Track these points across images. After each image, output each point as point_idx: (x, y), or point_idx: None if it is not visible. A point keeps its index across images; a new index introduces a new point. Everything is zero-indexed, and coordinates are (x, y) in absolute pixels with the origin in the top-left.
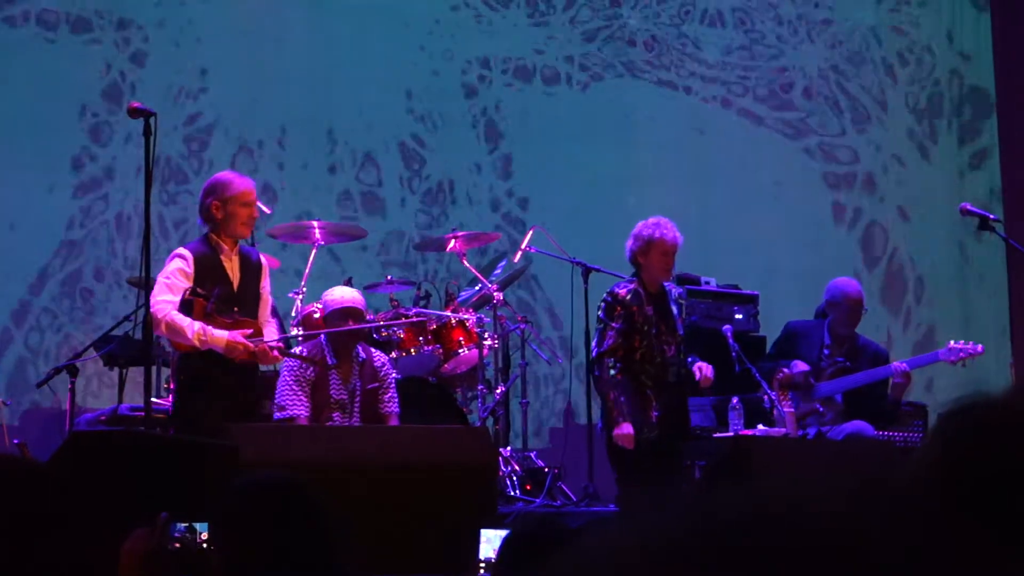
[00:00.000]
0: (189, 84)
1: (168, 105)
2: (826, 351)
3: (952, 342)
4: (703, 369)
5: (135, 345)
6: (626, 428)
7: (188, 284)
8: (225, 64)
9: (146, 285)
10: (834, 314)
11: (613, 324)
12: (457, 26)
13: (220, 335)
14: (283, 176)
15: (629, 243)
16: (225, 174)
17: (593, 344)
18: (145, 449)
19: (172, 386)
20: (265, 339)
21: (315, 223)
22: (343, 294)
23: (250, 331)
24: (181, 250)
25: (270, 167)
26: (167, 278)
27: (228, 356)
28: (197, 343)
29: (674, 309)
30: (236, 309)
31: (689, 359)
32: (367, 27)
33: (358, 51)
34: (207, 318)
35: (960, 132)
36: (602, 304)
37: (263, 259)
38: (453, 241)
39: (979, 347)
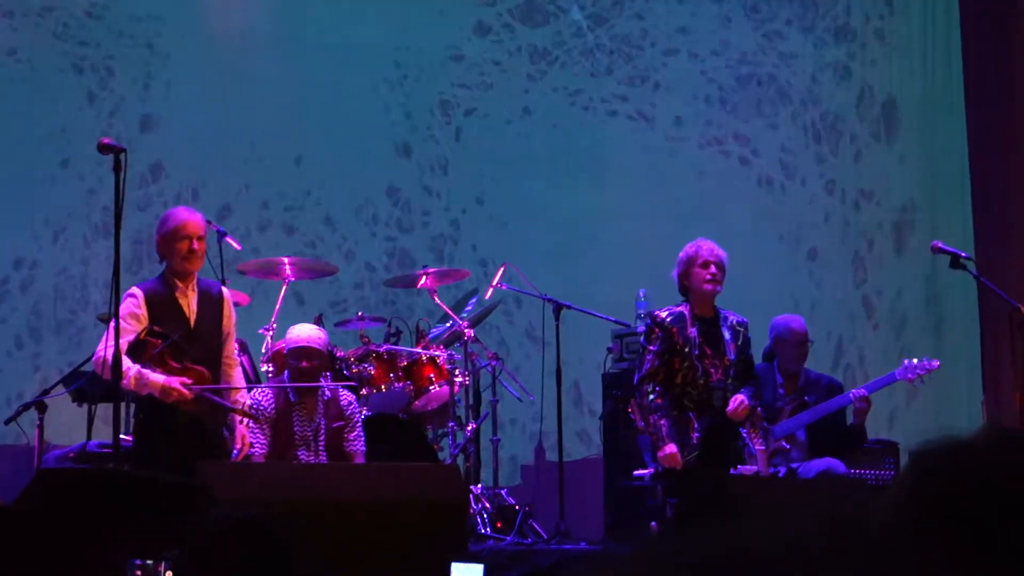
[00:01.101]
0: (155, 120)
1: (134, 142)
2: (780, 391)
3: (907, 360)
4: (736, 399)
5: (104, 382)
6: (670, 448)
7: (139, 326)
8: (192, 98)
9: (116, 322)
10: (781, 351)
11: (651, 348)
12: (428, 61)
13: (156, 379)
14: (254, 211)
15: (674, 272)
16: (171, 210)
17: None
18: (114, 487)
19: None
20: (208, 388)
21: (285, 259)
22: (299, 333)
23: (191, 380)
24: (133, 289)
25: (241, 202)
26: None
27: (164, 400)
28: (134, 386)
29: (727, 335)
30: (187, 359)
31: (743, 391)
32: (338, 63)
33: (328, 88)
34: (157, 359)
35: (932, 164)
36: (643, 329)
37: (226, 293)
38: (424, 278)
39: (935, 363)
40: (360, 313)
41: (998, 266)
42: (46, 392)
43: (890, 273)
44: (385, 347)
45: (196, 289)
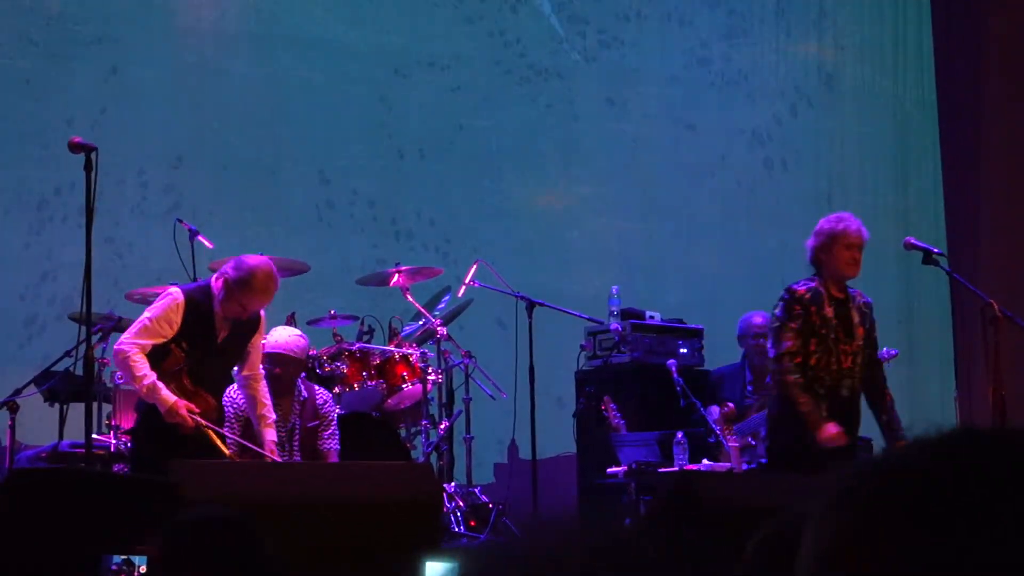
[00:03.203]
0: (129, 120)
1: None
2: (749, 388)
3: None
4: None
5: (76, 381)
6: (830, 428)
7: (171, 332)
8: (165, 100)
9: (87, 321)
10: (746, 347)
11: (791, 324)
12: (400, 58)
13: (166, 397)
14: (227, 209)
15: (810, 241)
16: (253, 266)
17: (769, 345)
18: (86, 486)
19: (133, 422)
20: (212, 425)
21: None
22: (277, 338)
23: (198, 411)
24: (176, 292)
25: (214, 200)
26: (151, 320)
27: (166, 419)
28: (144, 394)
29: (856, 317)
30: (206, 379)
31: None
32: (312, 62)
33: (303, 87)
34: (174, 374)
35: (904, 166)
36: (779, 303)
37: (263, 315)
38: (396, 276)
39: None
40: (332, 312)
41: (970, 262)
42: (18, 392)
43: (863, 269)
44: (358, 345)
45: None
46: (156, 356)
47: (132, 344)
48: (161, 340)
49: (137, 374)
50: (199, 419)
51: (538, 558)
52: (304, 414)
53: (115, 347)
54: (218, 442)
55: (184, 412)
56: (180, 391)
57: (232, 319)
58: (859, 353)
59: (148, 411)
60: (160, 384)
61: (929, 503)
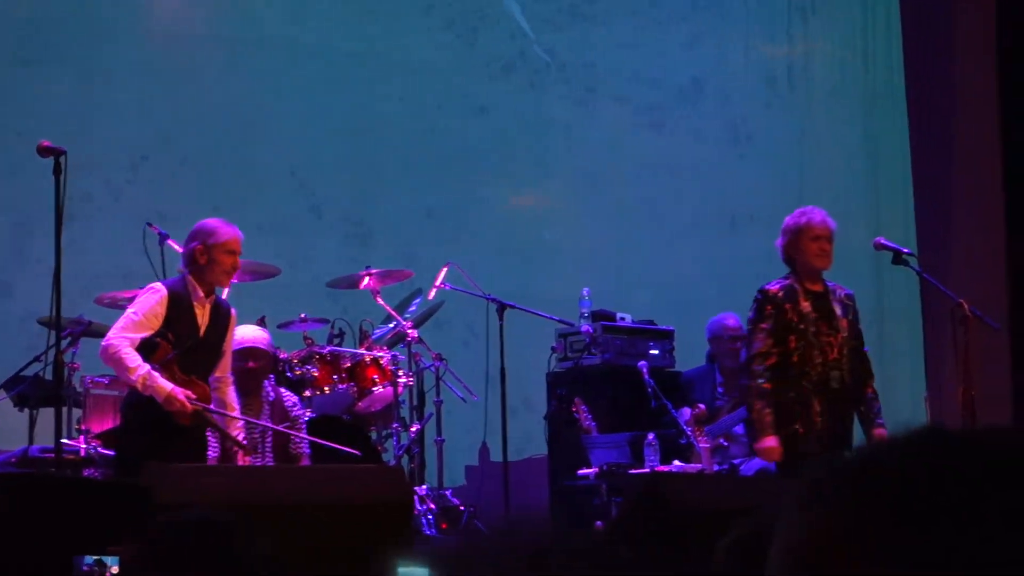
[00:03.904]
0: (99, 124)
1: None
2: (720, 389)
3: None
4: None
5: (46, 386)
6: (769, 442)
7: (157, 324)
8: (135, 104)
9: (57, 326)
10: (718, 349)
11: (762, 325)
12: (371, 62)
13: (163, 385)
14: (197, 213)
15: (779, 241)
16: (212, 221)
17: (743, 349)
18: (56, 490)
19: (118, 422)
20: (211, 408)
21: None
22: (244, 334)
23: (195, 396)
24: (159, 286)
25: (183, 204)
26: (137, 315)
27: (164, 407)
28: (139, 386)
29: (838, 309)
30: (194, 371)
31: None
32: (283, 65)
33: (274, 89)
34: (165, 365)
35: (875, 167)
36: (753, 304)
37: (233, 312)
38: (367, 278)
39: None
40: (303, 315)
41: (940, 262)
42: None
43: (833, 269)
44: (328, 348)
45: (213, 303)
46: (144, 350)
47: (122, 338)
48: (149, 332)
49: (130, 365)
50: (198, 403)
51: (510, 558)
52: (273, 415)
53: (103, 344)
54: (214, 426)
55: (182, 397)
56: (173, 380)
57: (214, 288)
58: (845, 344)
59: (138, 405)
60: (155, 373)
61: (911, 502)
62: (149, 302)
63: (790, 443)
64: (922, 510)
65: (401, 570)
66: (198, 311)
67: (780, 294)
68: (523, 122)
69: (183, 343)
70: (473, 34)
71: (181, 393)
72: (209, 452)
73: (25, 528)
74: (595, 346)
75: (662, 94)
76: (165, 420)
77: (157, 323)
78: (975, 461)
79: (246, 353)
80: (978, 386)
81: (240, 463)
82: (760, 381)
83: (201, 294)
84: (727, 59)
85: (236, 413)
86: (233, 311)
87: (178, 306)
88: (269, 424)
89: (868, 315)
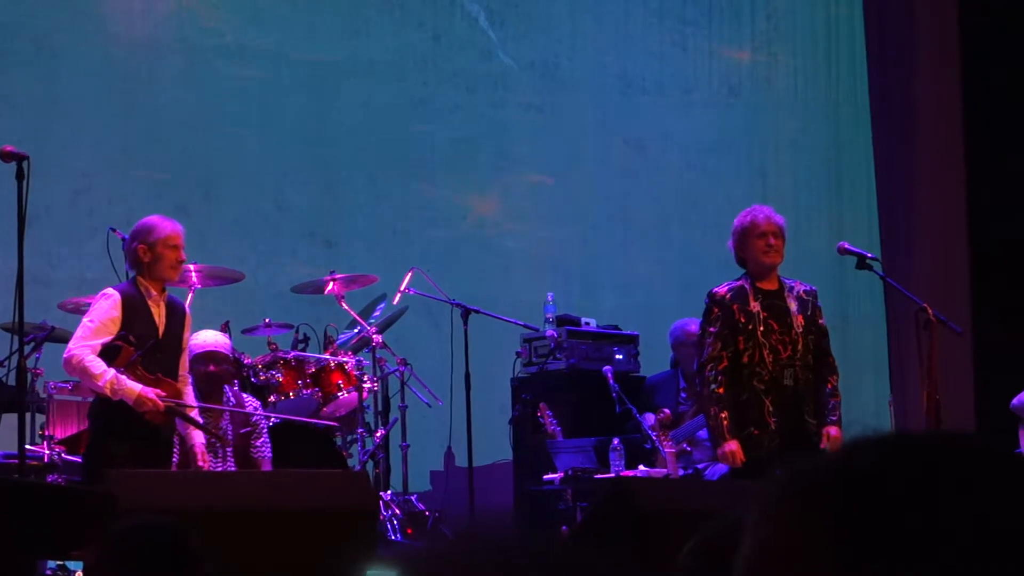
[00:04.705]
0: (59, 129)
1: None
2: (683, 395)
3: None
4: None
5: (9, 391)
6: (730, 446)
7: (115, 328)
8: (97, 109)
9: (20, 331)
10: (681, 354)
11: (711, 329)
12: (331, 65)
13: (132, 387)
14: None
15: (729, 243)
16: (151, 218)
17: (695, 356)
18: (21, 497)
19: (88, 429)
20: (183, 403)
21: (192, 266)
22: (205, 338)
23: (164, 393)
24: (110, 291)
25: (147, 208)
26: (93, 322)
27: (136, 409)
28: (108, 392)
29: (793, 306)
30: (159, 370)
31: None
32: (245, 69)
33: (236, 94)
34: (129, 367)
35: (838, 171)
36: (704, 310)
37: (188, 312)
38: (331, 283)
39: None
40: (267, 320)
41: (904, 266)
42: None
43: (797, 273)
44: (293, 354)
45: (166, 301)
46: (108, 355)
47: (83, 347)
48: (108, 337)
49: (96, 372)
50: (169, 400)
51: (476, 562)
52: (234, 420)
53: (65, 356)
54: (190, 421)
55: (153, 396)
56: (141, 382)
57: (164, 285)
58: (799, 341)
59: (105, 412)
60: (122, 376)
61: (858, 516)
62: (103, 307)
63: (746, 446)
64: (870, 524)
65: (371, 574)
66: (154, 310)
67: (728, 296)
68: (486, 126)
69: (145, 343)
70: (436, 37)
71: (151, 392)
72: (174, 459)
73: None
74: (560, 351)
75: (626, 99)
76: (132, 425)
77: (115, 327)
78: (928, 470)
79: (206, 357)
80: (942, 390)
81: (201, 465)
82: (713, 387)
83: (154, 293)
84: (691, 64)
85: (195, 414)
86: (188, 311)
87: (133, 308)
88: (234, 409)
89: (832, 320)
